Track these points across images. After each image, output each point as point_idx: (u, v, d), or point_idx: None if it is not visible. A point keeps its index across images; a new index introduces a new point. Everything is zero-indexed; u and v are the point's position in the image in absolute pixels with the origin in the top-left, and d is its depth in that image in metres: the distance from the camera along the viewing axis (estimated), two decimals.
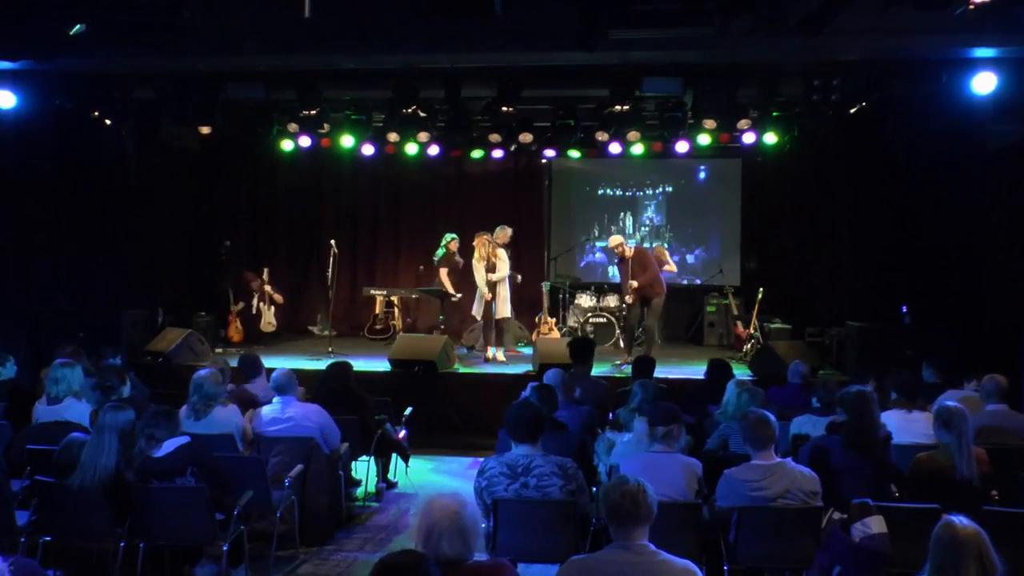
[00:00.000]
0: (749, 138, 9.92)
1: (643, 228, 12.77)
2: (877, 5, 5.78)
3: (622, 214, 12.76)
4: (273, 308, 11.28)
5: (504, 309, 9.78)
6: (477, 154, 11.37)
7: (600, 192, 12.83)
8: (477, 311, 9.86)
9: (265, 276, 11.30)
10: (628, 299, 9.65)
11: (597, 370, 7.78)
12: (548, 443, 4.43)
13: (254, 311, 11.16)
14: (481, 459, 4.94)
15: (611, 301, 11.61)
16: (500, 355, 9.80)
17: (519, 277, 10.49)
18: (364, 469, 6.86)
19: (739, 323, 11.10)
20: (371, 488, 6.90)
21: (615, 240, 9.84)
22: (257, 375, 6.62)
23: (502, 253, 9.73)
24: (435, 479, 7.43)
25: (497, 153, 11.31)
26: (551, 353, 8.43)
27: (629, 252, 9.61)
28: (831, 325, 10.27)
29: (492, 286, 9.62)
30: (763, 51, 7.25)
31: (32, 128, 8.72)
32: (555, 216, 12.77)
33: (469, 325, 11.24)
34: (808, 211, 11.91)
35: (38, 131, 8.85)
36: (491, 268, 9.63)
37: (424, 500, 2.96)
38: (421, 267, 12.15)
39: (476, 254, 9.76)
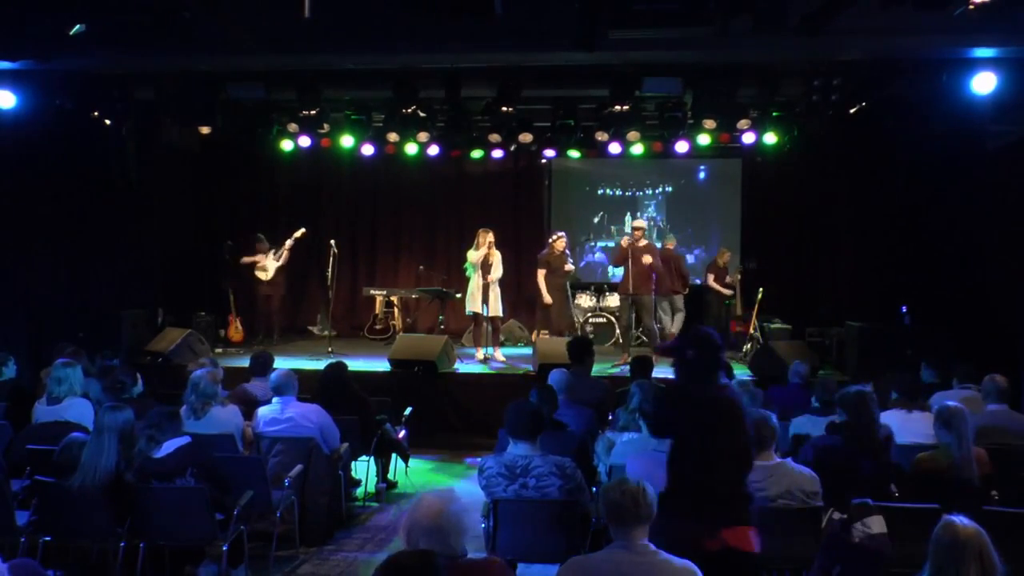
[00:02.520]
0: (749, 138, 9.92)
1: None
2: (877, 5, 5.77)
3: (622, 214, 12.77)
4: (280, 262, 11.10)
5: (497, 308, 9.75)
6: (477, 154, 11.36)
7: (600, 192, 12.82)
8: (475, 306, 9.71)
9: (299, 234, 11.08)
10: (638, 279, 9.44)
11: (597, 370, 7.78)
12: (548, 443, 4.43)
13: (259, 264, 11.03)
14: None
15: (611, 301, 11.62)
16: (499, 355, 9.81)
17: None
18: (364, 469, 6.86)
19: (734, 321, 11.15)
20: (371, 488, 6.90)
21: (641, 223, 9.79)
22: (260, 375, 6.61)
23: (498, 255, 9.72)
24: (435, 479, 7.43)
25: (497, 153, 11.31)
26: (551, 353, 8.43)
27: (644, 242, 9.62)
28: (831, 325, 10.27)
29: (487, 287, 9.58)
30: (763, 51, 7.26)
31: (32, 128, 8.72)
32: (555, 216, 12.76)
33: (469, 324, 11.24)
34: (808, 211, 11.91)
35: (38, 131, 8.85)
36: (487, 269, 9.60)
37: None
38: (421, 267, 12.15)
39: (475, 244, 9.67)
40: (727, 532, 3.40)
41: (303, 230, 11.07)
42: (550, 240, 10.44)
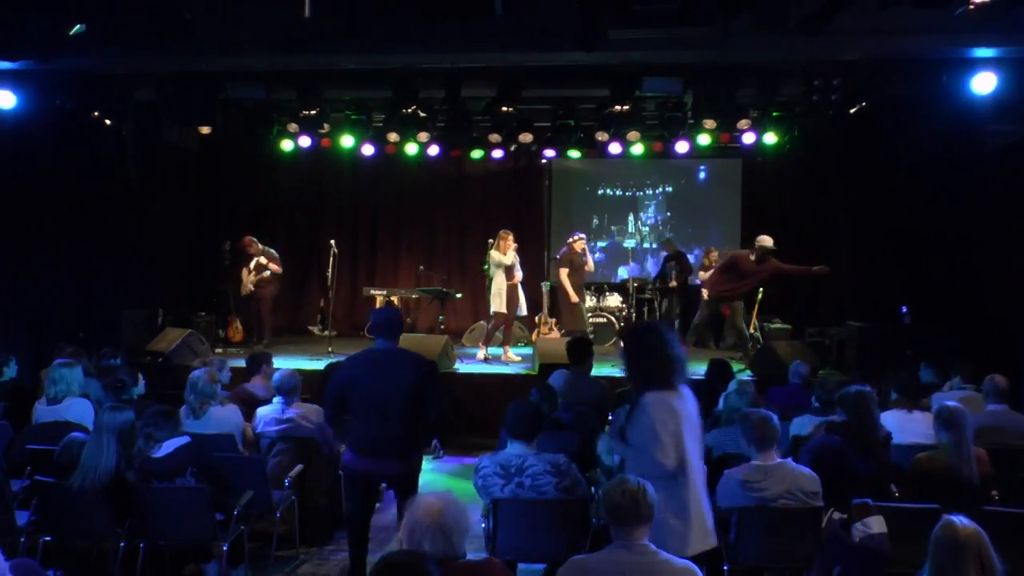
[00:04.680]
0: (749, 138, 9.92)
1: (644, 228, 12.77)
2: (877, 5, 5.77)
3: (623, 214, 12.78)
4: (251, 284, 10.77)
5: (523, 308, 9.89)
6: (477, 154, 11.35)
7: (600, 192, 12.83)
8: (500, 306, 9.72)
9: (267, 274, 10.92)
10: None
11: (597, 371, 7.77)
12: (548, 443, 4.43)
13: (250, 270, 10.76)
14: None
15: (611, 301, 11.62)
16: (511, 354, 9.88)
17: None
18: None
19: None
20: None
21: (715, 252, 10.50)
22: (256, 373, 6.60)
23: (518, 258, 9.83)
24: (435, 479, 7.42)
25: (497, 153, 11.30)
26: (551, 353, 8.42)
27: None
28: (831, 325, 10.26)
29: (513, 288, 9.68)
30: (763, 51, 7.26)
31: (32, 128, 8.71)
32: (555, 216, 12.77)
33: (469, 325, 11.26)
34: (808, 211, 11.91)
35: (38, 131, 8.84)
36: (510, 271, 9.66)
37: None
38: (421, 267, 12.15)
39: (497, 248, 9.70)
40: (387, 463, 4.54)
41: (270, 272, 10.77)
42: (570, 240, 10.47)
